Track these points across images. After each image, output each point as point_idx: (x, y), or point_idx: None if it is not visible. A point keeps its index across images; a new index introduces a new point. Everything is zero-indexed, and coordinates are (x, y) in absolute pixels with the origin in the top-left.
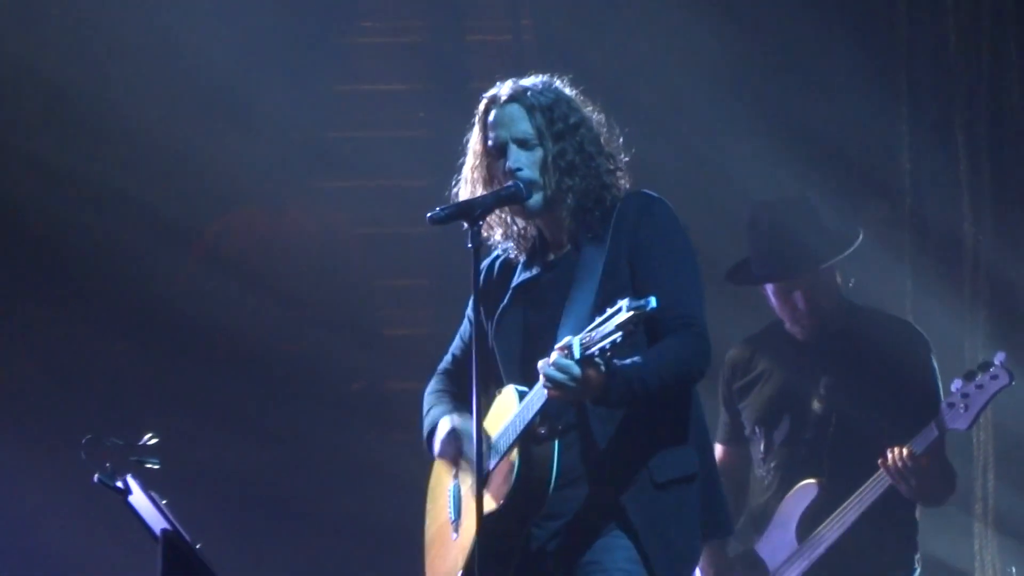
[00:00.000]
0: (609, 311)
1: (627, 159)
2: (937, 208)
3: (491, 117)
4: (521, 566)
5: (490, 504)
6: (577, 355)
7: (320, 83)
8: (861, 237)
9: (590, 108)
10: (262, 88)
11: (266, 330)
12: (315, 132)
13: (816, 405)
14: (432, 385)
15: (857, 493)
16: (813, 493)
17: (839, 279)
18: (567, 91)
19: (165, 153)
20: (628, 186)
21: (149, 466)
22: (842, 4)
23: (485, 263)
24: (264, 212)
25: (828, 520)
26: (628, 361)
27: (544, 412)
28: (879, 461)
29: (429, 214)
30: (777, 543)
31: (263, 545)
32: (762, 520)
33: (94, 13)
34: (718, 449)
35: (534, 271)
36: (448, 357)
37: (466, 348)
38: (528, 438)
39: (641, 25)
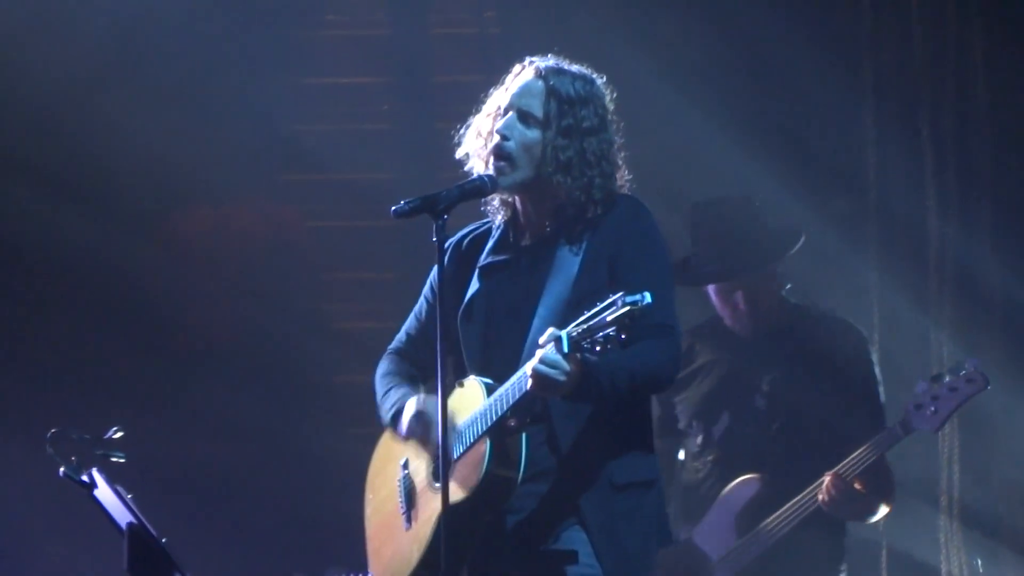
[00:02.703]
0: (601, 305)
1: (630, 179)
2: (902, 201)
3: (517, 79)
4: (478, 558)
5: (456, 494)
6: (566, 349)
7: (284, 76)
8: (803, 238)
9: (613, 122)
10: (225, 81)
11: (229, 324)
12: (279, 125)
13: (759, 401)
14: (384, 366)
15: (804, 494)
16: (755, 488)
17: (777, 279)
18: (605, 98)
19: (127, 146)
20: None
21: (115, 460)
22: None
23: (454, 239)
24: (226, 205)
25: (774, 516)
26: (602, 359)
27: (517, 405)
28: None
29: (393, 208)
30: (716, 535)
31: (229, 538)
32: (697, 511)
33: (56, 5)
34: None
35: (504, 254)
36: (402, 335)
37: (421, 327)
38: (498, 430)
39: (604, 17)
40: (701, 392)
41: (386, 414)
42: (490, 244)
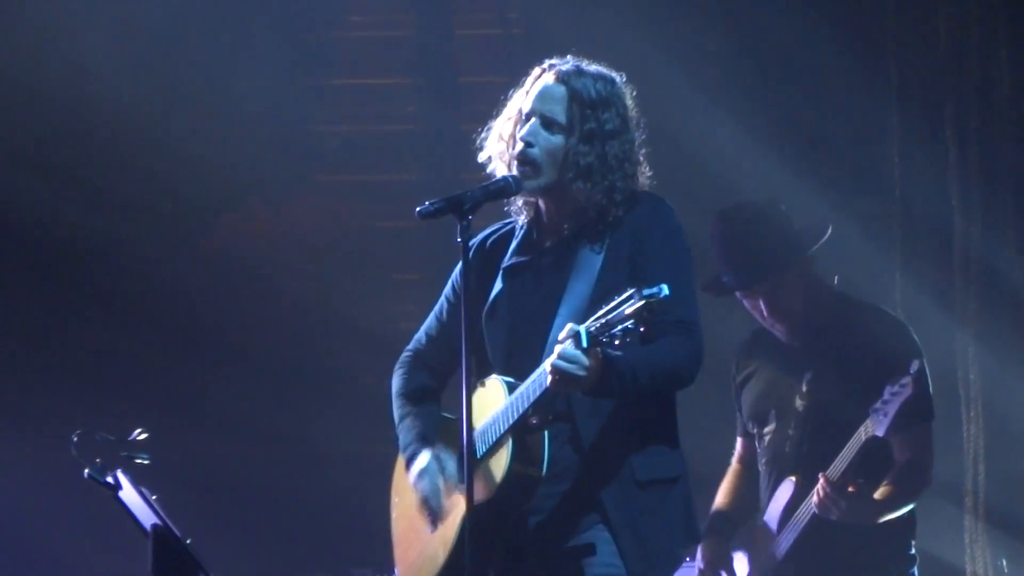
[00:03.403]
0: (618, 299)
1: (651, 178)
2: (926, 201)
3: (538, 83)
4: (503, 559)
5: (480, 494)
6: (585, 344)
7: (309, 78)
8: (828, 233)
9: (636, 120)
10: (250, 82)
11: (254, 325)
12: (304, 126)
13: (798, 402)
14: (399, 380)
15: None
16: (791, 491)
17: (814, 276)
18: (626, 96)
19: (156, 148)
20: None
21: (139, 461)
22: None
23: (477, 239)
24: (251, 208)
25: (803, 503)
26: (623, 354)
27: (538, 402)
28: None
29: (418, 209)
30: (766, 537)
31: (254, 540)
32: (760, 514)
33: (86, 14)
34: (738, 442)
35: (527, 255)
36: (421, 337)
37: (443, 328)
38: (520, 428)
39: (629, 19)
40: (754, 394)
41: (401, 450)
42: (513, 245)
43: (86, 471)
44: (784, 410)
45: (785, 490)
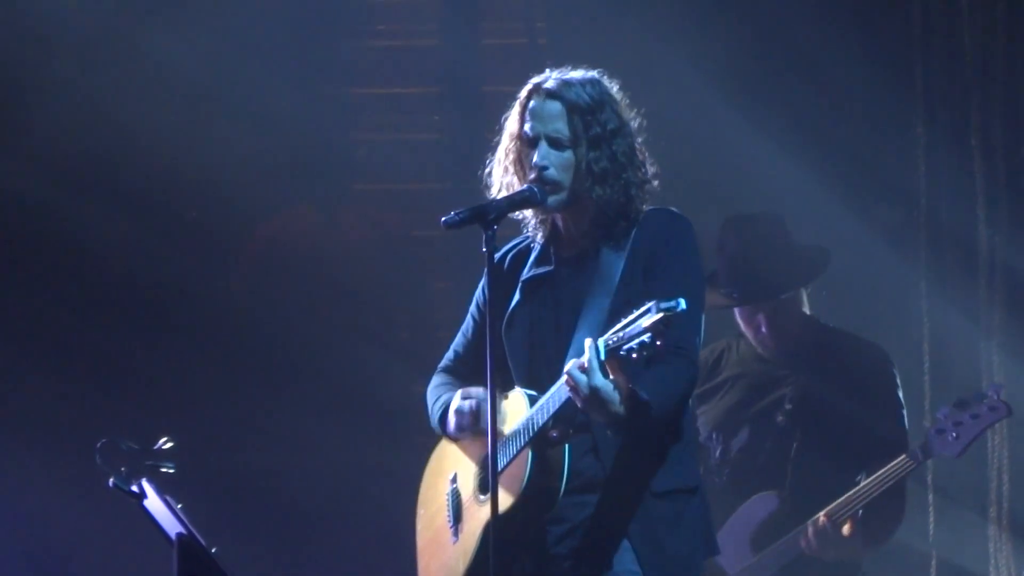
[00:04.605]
0: (636, 312)
1: (655, 169)
2: (952, 210)
3: (531, 105)
4: (524, 569)
5: (500, 506)
6: (603, 356)
7: (334, 87)
8: (826, 266)
9: (632, 112)
10: (275, 92)
11: (280, 334)
12: (329, 135)
13: (780, 419)
14: (434, 381)
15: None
16: (773, 505)
17: (805, 300)
18: (615, 91)
19: (178, 154)
20: (658, 189)
21: (164, 470)
22: (856, 6)
23: (498, 254)
24: (275, 216)
25: (791, 535)
26: (640, 385)
27: (558, 415)
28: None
29: (443, 218)
30: (732, 550)
31: (279, 550)
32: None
33: (122, 26)
34: None
35: (546, 267)
36: (450, 354)
37: (468, 345)
38: (540, 441)
39: (655, 28)
40: (723, 406)
41: (435, 415)
42: (532, 258)
43: (111, 480)
44: (761, 425)
45: (763, 504)
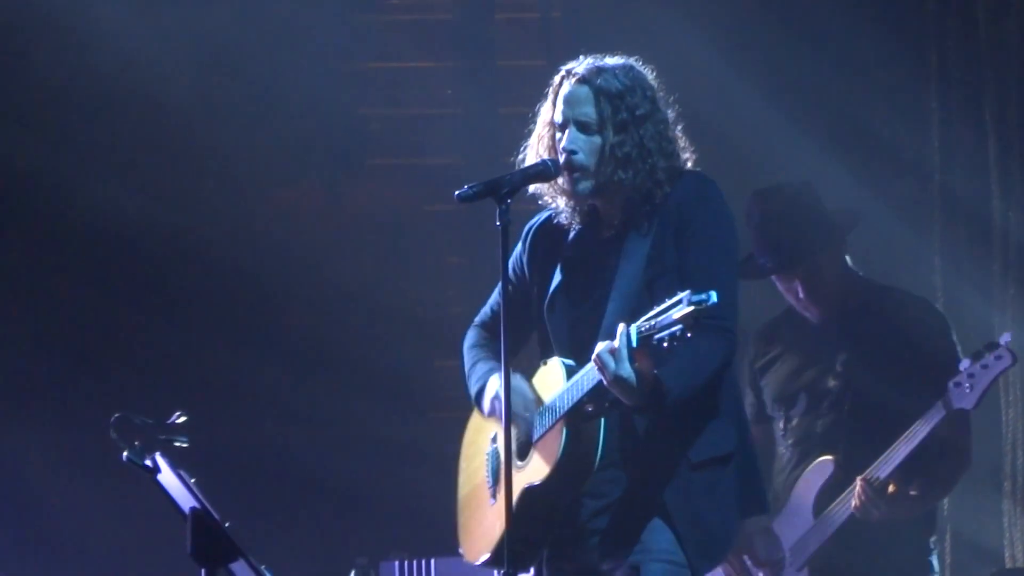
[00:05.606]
0: (669, 302)
1: (689, 157)
2: (966, 185)
3: (562, 91)
4: (558, 541)
5: (534, 476)
6: (634, 343)
7: (347, 61)
8: (856, 224)
9: (663, 98)
10: (289, 66)
11: (296, 308)
12: (343, 110)
13: (832, 383)
14: (471, 338)
15: (844, 495)
16: (829, 470)
17: (848, 262)
18: (648, 77)
19: (203, 130)
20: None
21: (178, 444)
22: None
23: (536, 221)
24: (292, 191)
25: (840, 498)
26: (669, 372)
27: (592, 391)
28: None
29: (457, 192)
30: (794, 520)
31: (292, 523)
32: (783, 497)
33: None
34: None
35: (585, 247)
36: (486, 310)
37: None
38: (576, 414)
39: (668, 3)
40: (780, 376)
41: (472, 388)
42: (570, 237)
43: (125, 454)
44: (817, 391)
45: (821, 471)
